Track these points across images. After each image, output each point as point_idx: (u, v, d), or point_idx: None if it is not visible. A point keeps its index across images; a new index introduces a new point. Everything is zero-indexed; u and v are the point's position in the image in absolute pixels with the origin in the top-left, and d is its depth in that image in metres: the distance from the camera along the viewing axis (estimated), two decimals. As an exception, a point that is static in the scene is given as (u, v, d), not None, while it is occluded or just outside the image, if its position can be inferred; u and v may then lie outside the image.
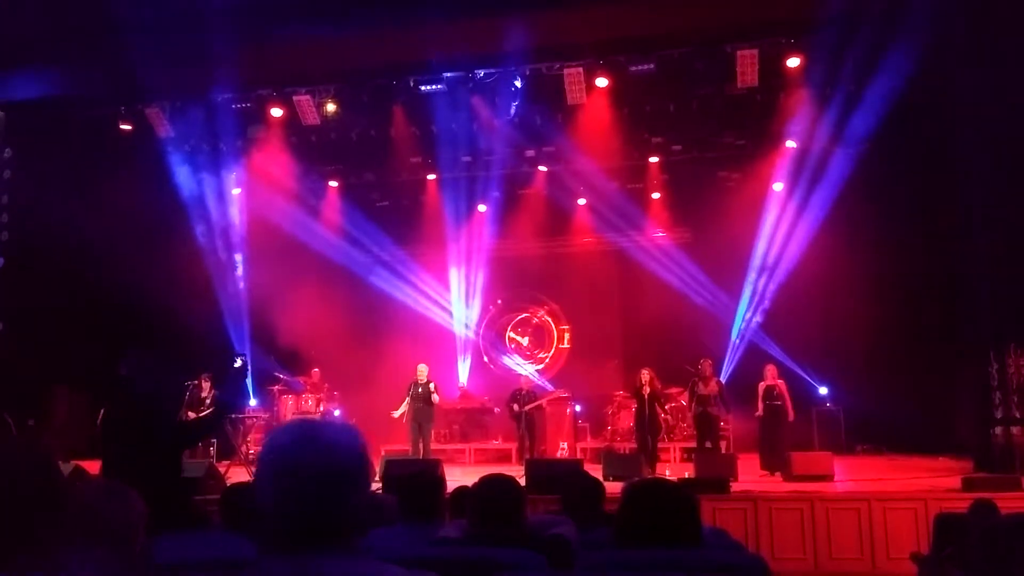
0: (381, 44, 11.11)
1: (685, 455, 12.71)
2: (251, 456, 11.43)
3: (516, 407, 12.53)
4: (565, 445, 13.18)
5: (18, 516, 1.38)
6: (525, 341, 16.98)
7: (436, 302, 15.90)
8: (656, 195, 15.30)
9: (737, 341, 14.32)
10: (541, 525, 3.19)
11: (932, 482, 9.10)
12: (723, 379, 12.39)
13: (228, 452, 12.16)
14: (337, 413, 13.72)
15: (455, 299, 16.05)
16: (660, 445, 12.10)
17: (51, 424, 13.15)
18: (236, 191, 14.76)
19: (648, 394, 11.19)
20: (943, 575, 4.66)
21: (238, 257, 15.01)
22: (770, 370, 11.29)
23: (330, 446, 1.39)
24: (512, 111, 12.63)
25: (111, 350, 13.06)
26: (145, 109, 12.73)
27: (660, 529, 2.50)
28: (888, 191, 12.59)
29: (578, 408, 13.99)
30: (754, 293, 14.37)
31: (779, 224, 13.85)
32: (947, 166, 10.90)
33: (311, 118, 12.69)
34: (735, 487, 8.69)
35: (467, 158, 14.09)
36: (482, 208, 15.62)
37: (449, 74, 12.11)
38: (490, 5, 10.32)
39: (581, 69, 11.64)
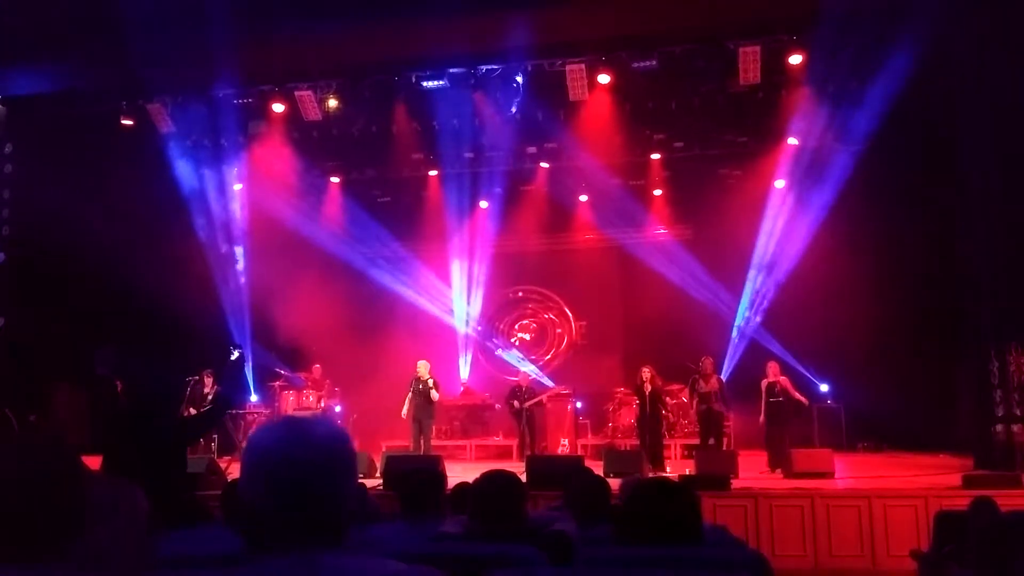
0: (383, 40, 11.11)
1: (686, 452, 12.73)
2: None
3: (516, 403, 12.54)
4: (566, 442, 13.19)
5: (32, 511, 1.38)
6: (527, 337, 16.98)
7: (437, 298, 15.90)
8: (658, 192, 15.31)
9: (736, 338, 14.32)
10: (542, 521, 3.20)
11: (932, 479, 9.09)
12: (724, 376, 12.40)
13: (229, 448, 12.18)
14: (338, 409, 13.75)
15: (456, 295, 16.05)
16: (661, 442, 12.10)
17: (52, 420, 13.16)
18: (237, 187, 14.76)
19: (649, 391, 11.19)
20: (943, 572, 4.66)
21: (239, 253, 15.02)
22: (772, 367, 11.28)
23: (314, 440, 1.39)
24: (514, 107, 12.62)
25: (114, 346, 13.09)
26: (147, 104, 12.73)
27: (661, 526, 2.51)
28: (889, 188, 12.57)
29: (579, 405, 13.99)
30: (755, 290, 14.37)
31: (780, 221, 13.84)
32: (948, 163, 10.89)
33: (313, 114, 12.69)
34: (736, 484, 8.69)
35: (469, 154, 14.08)
36: (483, 204, 15.62)
37: (451, 70, 12.10)
38: (492, 1, 10.31)
39: (583, 65, 11.64)
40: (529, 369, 14.85)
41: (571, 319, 16.72)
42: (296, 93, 12.48)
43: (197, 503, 5.08)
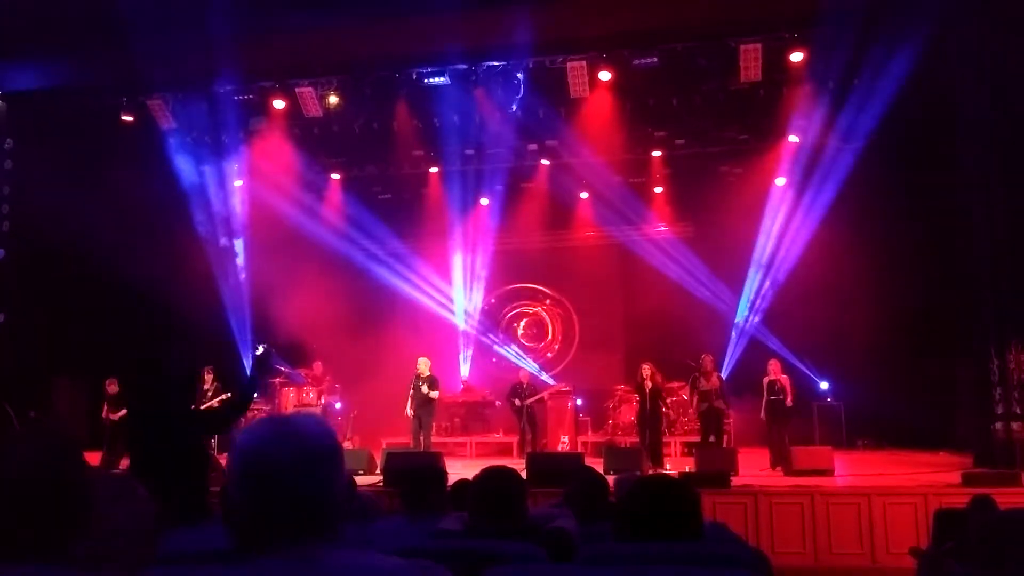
0: (384, 36, 11.11)
1: (686, 449, 12.73)
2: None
3: (517, 401, 12.55)
4: (566, 439, 13.18)
5: (34, 508, 1.38)
6: (527, 334, 16.98)
7: (438, 295, 15.90)
8: (658, 189, 15.31)
9: (736, 336, 14.31)
10: (542, 518, 3.19)
11: (932, 477, 9.10)
12: (724, 374, 12.41)
13: (228, 445, 12.18)
14: (338, 406, 13.75)
15: (457, 292, 16.06)
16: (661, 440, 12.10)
17: (52, 415, 13.17)
18: (238, 183, 14.74)
19: (649, 389, 11.19)
20: (942, 570, 4.66)
21: (240, 249, 15.01)
22: (773, 365, 11.29)
23: (298, 436, 1.38)
24: (515, 104, 12.61)
25: (113, 341, 13.11)
26: (147, 100, 12.72)
27: (661, 523, 2.51)
28: (889, 186, 12.58)
29: (579, 402, 13.99)
30: (755, 288, 14.36)
31: (781, 219, 13.83)
32: (949, 161, 10.88)
33: (313, 110, 12.68)
34: (735, 481, 8.70)
35: (470, 151, 14.08)
36: (484, 202, 15.62)
37: (452, 67, 12.09)
38: (494, -3, 10.33)
39: (584, 62, 11.63)
40: (529, 366, 14.86)
41: (572, 316, 16.72)
42: (297, 89, 12.47)
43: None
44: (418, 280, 15.76)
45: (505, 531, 2.76)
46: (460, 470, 7.59)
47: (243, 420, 5.50)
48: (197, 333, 13.53)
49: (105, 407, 11.84)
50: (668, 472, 9.84)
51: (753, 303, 14.41)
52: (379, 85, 12.58)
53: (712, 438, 11.23)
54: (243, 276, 14.91)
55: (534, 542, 2.60)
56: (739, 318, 14.48)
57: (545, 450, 12.34)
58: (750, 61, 11.21)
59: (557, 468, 8.38)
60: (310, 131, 13.56)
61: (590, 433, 13.95)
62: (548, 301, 16.92)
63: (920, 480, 8.92)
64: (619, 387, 14.04)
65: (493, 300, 16.80)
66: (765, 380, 11.11)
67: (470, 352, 16.25)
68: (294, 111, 12.84)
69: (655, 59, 11.55)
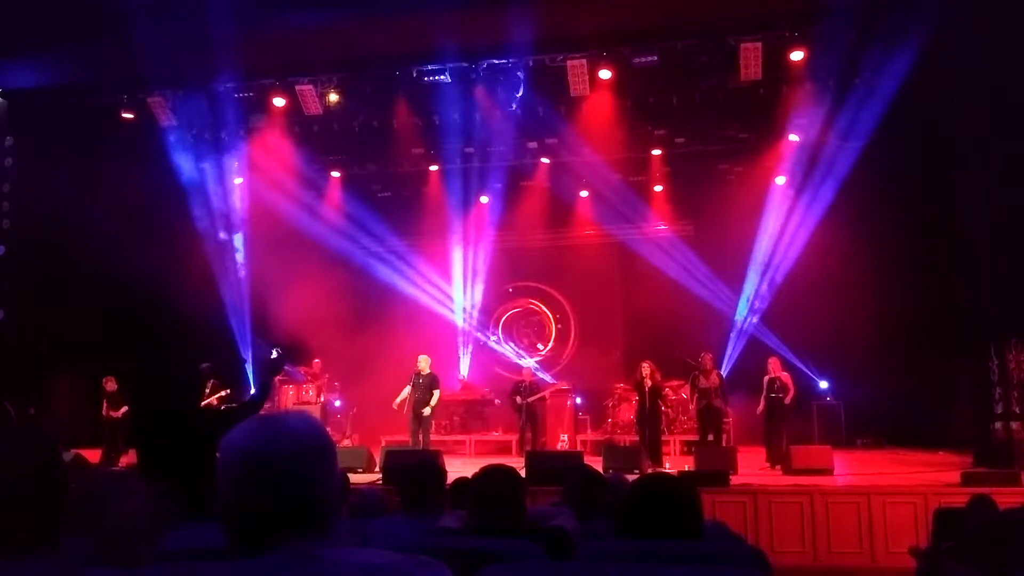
0: (384, 34, 11.10)
1: (685, 448, 12.74)
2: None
3: (519, 399, 12.55)
4: (565, 437, 13.19)
5: (21, 504, 1.38)
6: (526, 333, 16.97)
7: (437, 293, 15.89)
8: (658, 188, 15.29)
9: (736, 335, 14.31)
10: (541, 516, 3.19)
11: (931, 476, 9.10)
12: (724, 372, 12.40)
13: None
14: (337, 403, 13.75)
15: (456, 290, 16.05)
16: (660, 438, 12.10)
17: (51, 412, 13.18)
18: (238, 180, 14.74)
19: (649, 387, 11.19)
20: (942, 569, 4.66)
21: (239, 247, 15.00)
22: (773, 363, 11.29)
23: (287, 433, 1.38)
24: (515, 103, 12.60)
25: (112, 339, 13.09)
26: (147, 98, 12.73)
27: (661, 522, 2.51)
28: (889, 185, 12.58)
29: (578, 400, 13.99)
30: (755, 287, 14.36)
31: (781, 218, 13.82)
32: (949, 160, 10.88)
33: (313, 108, 12.68)
34: (735, 480, 8.71)
35: (469, 149, 14.07)
36: (484, 200, 15.61)
37: (452, 65, 12.09)
38: (494, -5, 10.32)
39: (584, 61, 11.63)
40: (529, 365, 14.85)
41: (571, 314, 16.71)
42: (297, 87, 12.47)
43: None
44: (417, 278, 15.75)
45: (504, 529, 2.76)
46: (459, 468, 7.59)
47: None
48: (197, 330, 13.52)
49: (104, 404, 11.84)
50: (667, 471, 9.86)
51: (752, 302, 14.41)
52: (379, 83, 12.58)
53: (711, 437, 11.23)
54: (243, 273, 14.90)
55: (533, 540, 2.60)
56: (738, 317, 14.47)
57: (544, 448, 12.35)
58: (750, 60, 11.20)
59: (556, 466, 8.37)
60: (310, 128, 13.55)
61: (589, 431, 13.94)
62: (547, 299, 16.90)
63: (919, 479, 8.92)
64: (618, 385, 14.03)
65: (492, 298, 16.79)
66: (765, 378, 11.11)
67: (469, 350, 16.25)
68: (294, 108, 12.84)
69: (655, 57, 11.54)
